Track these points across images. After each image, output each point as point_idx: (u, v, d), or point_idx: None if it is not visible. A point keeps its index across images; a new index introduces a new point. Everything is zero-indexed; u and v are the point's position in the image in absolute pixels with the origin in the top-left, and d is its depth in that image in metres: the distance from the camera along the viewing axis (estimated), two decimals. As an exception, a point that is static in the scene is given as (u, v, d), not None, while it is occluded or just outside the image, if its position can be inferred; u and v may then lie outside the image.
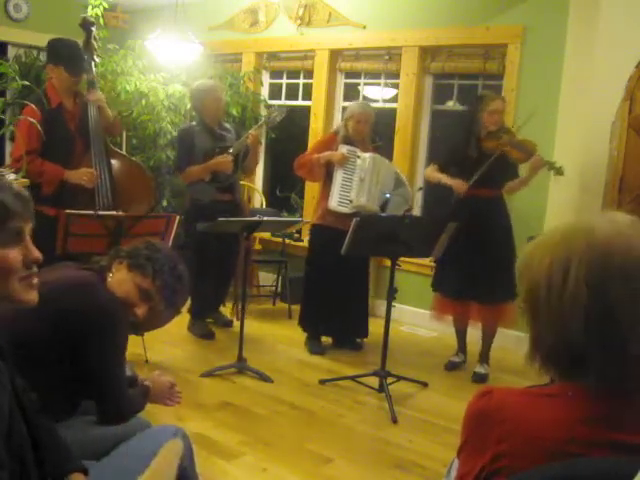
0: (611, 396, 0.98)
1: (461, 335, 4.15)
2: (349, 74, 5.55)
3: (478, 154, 3.77)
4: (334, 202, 4.08)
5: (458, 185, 3.83)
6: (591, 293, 0.97)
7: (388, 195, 4.17)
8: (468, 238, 3.83)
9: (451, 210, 3.92)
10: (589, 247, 0.99)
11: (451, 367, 4.12)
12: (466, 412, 1.06)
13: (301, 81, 5.83)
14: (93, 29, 3.91)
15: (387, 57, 5.19)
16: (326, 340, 4.36)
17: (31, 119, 3.41)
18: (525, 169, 3.80)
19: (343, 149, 4.10)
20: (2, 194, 1.18)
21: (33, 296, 1.23)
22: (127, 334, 1.90)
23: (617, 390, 0.98)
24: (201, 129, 4.32)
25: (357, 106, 4.26)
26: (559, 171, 3.62)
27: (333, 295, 4.18)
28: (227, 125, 4.53)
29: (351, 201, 4.05)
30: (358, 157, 4.08)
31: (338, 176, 4.09)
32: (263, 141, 4.87)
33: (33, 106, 3.48)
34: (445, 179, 3.91)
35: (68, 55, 3.66)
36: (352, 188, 4.06)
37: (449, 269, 3.97)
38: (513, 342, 4.39)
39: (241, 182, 4.78)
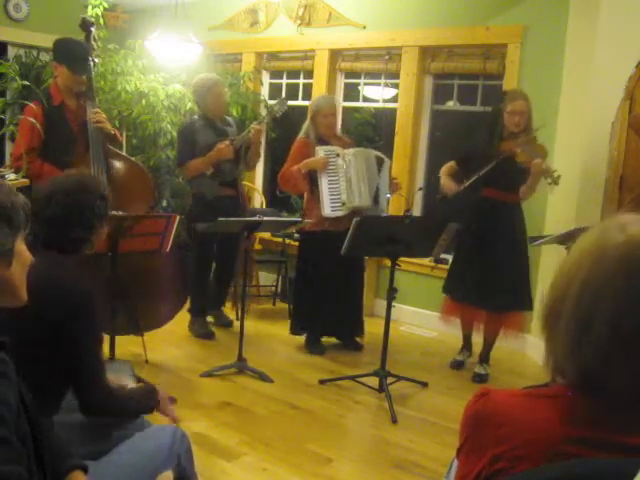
0: (607, 396, 0.97)
1: (467, 338, 4.14)
2: (349, 74, 5.55)
3: (497, 155, 3.70)
4: (327, 209, 4.00)
5: (448, 186, 3.84)
6: (587, 301, 0.95)
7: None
8: (481, 242, 3.80)
9: (468, 212, 3.88)
10: (599, 255, 0.96)
11: (456, 365, 4.11)
12: (464, 414, 1.06)
13: (301, 81, 5.83)
14: (92, 29, 3.92)
15: (387, 57, 5.19)
16: (328, 341, 4.36)
17: (31, 119, 3.42)
18: None
19: (321, 152, 4.03)
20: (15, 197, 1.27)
21: (25, 293, 1.30)
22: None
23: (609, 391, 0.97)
24: (203, 124, 4.32)
25: (321, 100, 4.17)
26: (555, 181, 3.56)
27: (329, 296, 4.16)
28: (229, 119, 4.52)
29: (344, 203, 3.99)
30: (338, 155, 4.02)
31: (323, 182, 4.01)
32: (263, 141, 4.87)
33: (33, 105, 3.49)
34: (443, 179, 3.89)
35: (71, 54, 3.68)
36: (341, 190, 4.00)
37: (460, 273, 3.95)
38: (513, 342, 4.39)
39: (242, 182, 4.78)
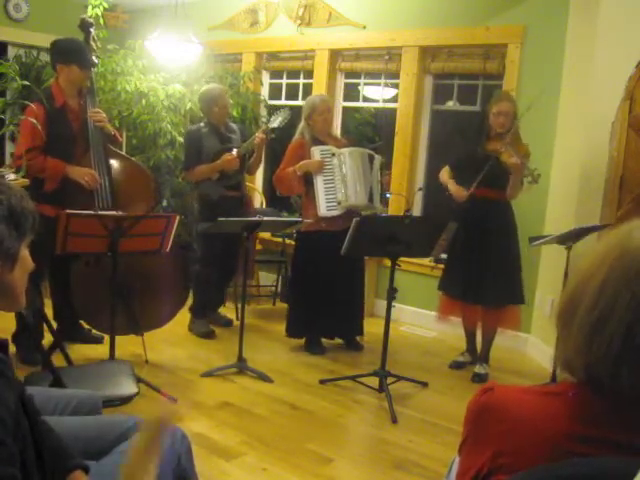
0: (610, 396, 0.97)
1: (470, 337, 4.14)
2: (349, 74, 5.55)
3: (484, 155, 3.76)
4: (323, 209, 4.01)
5: (458, 193, 3.84)
6: (604, 300, 0.94)
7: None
8: (474, 239, 3.83)
9: (458, 210, 3.91)
10: (621, 254, 0.95)
11: (456, 366, 4.11)
12: (468, 408, 1.06)
13: (301, 81, 5.83)
14: (92, 30, 3.93)
15: (387, 57, 5.19)
16: (328, 342, 4.35)
17: (32, 119, 3.42)
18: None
19: (316, 152, 4.04)
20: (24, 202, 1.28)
21: (24, 299, 1.31)
22: None
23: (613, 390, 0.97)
24: (208, 131, 4.40)
25: (315, 99, 4.20)
26: (535, 179, 3.59)
27: (328, 297, 4.14)
28: (233, 125, 4.60)
29: (339, 202, 4.01)
30: (333, 155, 4.03)
31: (319, 181, 4.02)
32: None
33: (34, 106, 3.49)
34: (449, 184, 3.91)
35: (78, 52, 3.67)
36: (336, 189, 4.01)
37: (455, 270, 3.97)
38: (513, 342, 4.40)
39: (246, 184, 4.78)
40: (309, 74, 5.66)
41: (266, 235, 5.41)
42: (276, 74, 6.01)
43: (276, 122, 4.32)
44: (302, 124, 4.19)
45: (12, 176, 3.18)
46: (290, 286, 4.43)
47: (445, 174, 4.03)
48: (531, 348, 4.47)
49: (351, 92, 5.59)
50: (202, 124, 4.47)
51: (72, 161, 3.68)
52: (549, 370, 3.82)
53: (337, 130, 5.25)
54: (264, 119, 5.78)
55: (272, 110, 5.74)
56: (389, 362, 3.61)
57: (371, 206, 4.06)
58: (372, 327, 4.46)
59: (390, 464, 2.84)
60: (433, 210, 5.17)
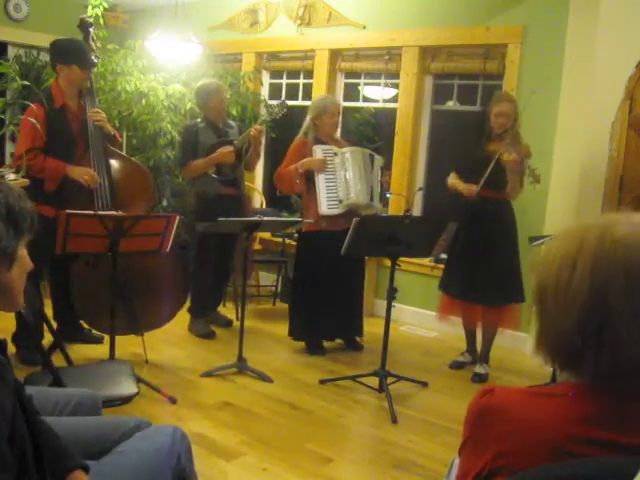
0: (610, 396, 0.97)
1: (470, 336, 4.14)
2: (349, 74, 5.55)
3: (484, 156, 3.76)
4: (324, 207, 4.02)
5: (468, 189, 3.82)
6: (592, 289, 0.95)
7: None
8: (474, 239, 3.84)
9: (459, 210, 3.91)
10: (599, 243, 0.97)
11: (456, 366, 4.11)
12: (468, 410, 1.06)
13: (301, 81, 5.83)
14: (91, 30, 3.94)
15: (387, 57, 5.18)
16: (328, 344, 4.35)
17: (32, 119, 3.42)
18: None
19: (318, 150, 4.05)
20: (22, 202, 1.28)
21: (22, 299, 1.31)
22: None
23: (613, 390, 0.97)
24: (205, 126, 4.39)
25: (327, 101, 4.20)
26: (537, 179, 3.63)
27: (329, 298, 4.14)
28: (231, 122, 4.60)
29: (340, 201, 4.01)
30: (335, 154, 4.04)
31: (321, 180, 4.03)
32: (263, 141, 4.87)
33: (35, 107, 3.49)
34: (458, 185, 3.90)
35: (78, 52, 3.67)
36: (338, 188, 4.02)
37: (455, 270, 3.97)
38: (513, 342, 4.40)
39: (244, 182, 4.78)
40: (309, 74, 5.66)
41: (266, 235, 5.41)
42: (276, 74, 6.01)
43: (272, 114, 4.33)
44: (307, 123, 4.18)
45: (12, 176, 3.18)
46: (292, 287, 4.42)
47: (452, 179, 4.00)
48: (531, 348, 4.47)
49: (351, 92, 5.59)
50: (199, 119, 4.47)
51: (72, 161, 3.68)
52: (549, 370, 3.82)
53: (338, 130, 5.25)
54: (263, 118, 5.78)
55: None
56: (389, 362, 3.61)
57: (372, 205, 4.07)
58: (372, 327, 4.46)
59: (390, 464, 2.84)
60: (433, 210, 5.18)
